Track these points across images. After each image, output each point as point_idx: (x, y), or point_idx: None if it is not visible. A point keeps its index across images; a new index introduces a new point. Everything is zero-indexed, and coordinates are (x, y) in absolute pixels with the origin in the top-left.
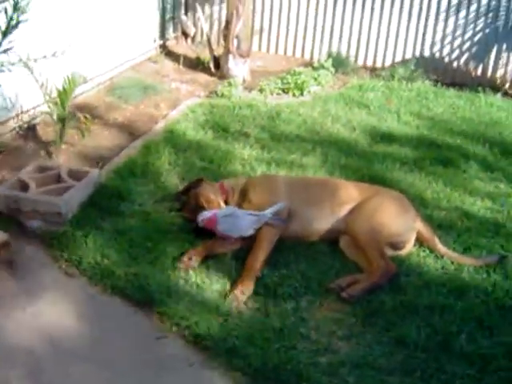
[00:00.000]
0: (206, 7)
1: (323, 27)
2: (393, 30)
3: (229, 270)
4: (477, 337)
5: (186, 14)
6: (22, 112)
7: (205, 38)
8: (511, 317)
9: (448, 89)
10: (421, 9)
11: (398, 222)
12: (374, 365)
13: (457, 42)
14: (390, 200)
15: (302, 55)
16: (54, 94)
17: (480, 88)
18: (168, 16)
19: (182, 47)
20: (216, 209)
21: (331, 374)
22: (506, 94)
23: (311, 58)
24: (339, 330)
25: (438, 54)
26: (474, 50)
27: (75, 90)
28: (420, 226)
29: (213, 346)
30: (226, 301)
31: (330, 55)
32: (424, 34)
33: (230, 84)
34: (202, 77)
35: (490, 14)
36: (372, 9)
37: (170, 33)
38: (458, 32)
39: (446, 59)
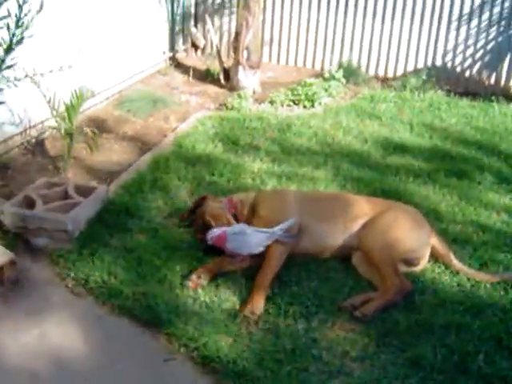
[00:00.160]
0: (216, 19)
1: (334, 37)
2: (404, 39)
3: (239, 289)
4: (495, 357)
5: (195, 25)
6: (30, 127)
7: (214, 49)
8: None
9: (461, 98)
10: (432, 18)
11: (412, 238)
12: None
13: (469, 51)
14: (404, 215)
15: (313, 66)
16: (62, 109)
17: (493, 97)
18: (177, 28)
19: (192, 59)
20: (225, 224)
21: None
22: None
23: (322, 68)
24: (352, 351)
25: (450, 64)
26: (486, 58)
27: (83, 104)
28: (435, 241)
29: (222, 369)
30: (236, 321)
31: (340, 65)
32: (436, 43)
33: (239, 96)
34: (212, 89)
35: (503, 22)
36: (383, 18)
37: (180, 45)
38: (471, 41)
39: (459, 68)
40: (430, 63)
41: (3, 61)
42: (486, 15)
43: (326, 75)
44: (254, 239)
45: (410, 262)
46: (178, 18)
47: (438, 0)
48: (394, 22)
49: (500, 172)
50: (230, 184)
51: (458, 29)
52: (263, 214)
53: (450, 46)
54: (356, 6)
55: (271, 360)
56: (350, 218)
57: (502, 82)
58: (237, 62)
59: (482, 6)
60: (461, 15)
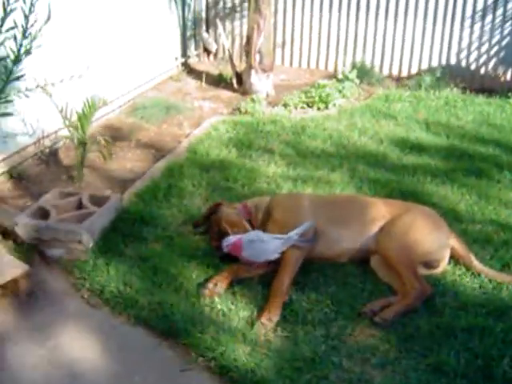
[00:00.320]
0: (227, 23)
1: (346, 38)
2: (418, 37)
3: (255, 296)
4: None
5: (207, 30)
6: (43, 137)
7: (226, 54)
8: None
9: (477, 95)
10: (445, 15)
11: (431, 240)
12: None
13: (484, 48)
14: (422, 217)
15: (326, 67)
16: (75, 118)
17: (510, 93)
18: (189, 33)
19: (204, 64)
20: (241, 230)
21: None
22: None
23: (335, 69)
24: (373, 358)
25: (464, 61)
26: (501, 54)
27: (95, 113)
28: (454, 242)
29: (240, 378)
30: (253, 329)
31: (354, 66)
32: (450, 41)
33: (253, 100)
34: (225, 93)
35: None
36: (395, 17)
37: (192, 50)
38: (485, 37)
39: (474, 65)
40: (444, 61)
41: (11, 72)
42: (500, 11)
43: (340, 76)
44: (270, 246)
45: (429, 265)
46: (189, 23)
47: None
48: (407, 21)
49: None
50: (245, 189)
51: (472, 26)
52: (278, 218)
53: (465, 43)
54: (368, 5)
55: (290, 368)
56: (367, 220)
57: None
58: (249, 66)
59: (495, 2)
60: (474, 12)
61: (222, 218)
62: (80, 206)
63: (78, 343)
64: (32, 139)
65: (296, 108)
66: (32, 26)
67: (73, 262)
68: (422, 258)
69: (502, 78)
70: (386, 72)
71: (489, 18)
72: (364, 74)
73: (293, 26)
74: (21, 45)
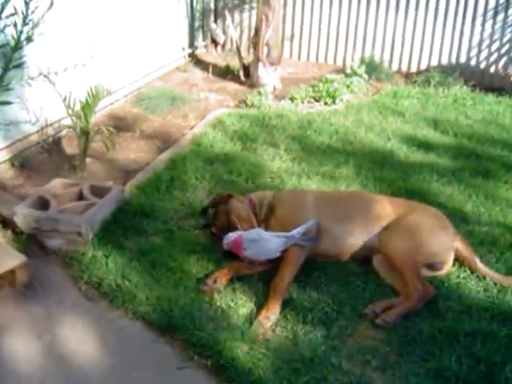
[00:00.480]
0: (236, 14)
1: (356, 32)
2: (428, 33)
3: (255, 293)
4: None
5: (215, 21)
6: (46, 125)
7: (234, 45)
8: None
9: (486, 94)
10: (456, 12)
11: (436, 241)
12: None
13: (494, 46)
14: (428, 217)
15: (334, 61)
16: (78, 107)
17: None
18: (197, 24)
19: (212, 56)
20: (249, 227)
21: None
22: None
23: (344, 64)
24: (373, 360)
25: (475, 59)
26: None
27: (99, 102)
28: (459, 244)
29: (237, 378)
30: (252, 327)
31: (362, 61)
32: (460, 38)
33: (259, 93)
34: (232, 86)
35: None
36: (406, 12)
37: (200, 41)
38: (496, 36)
39: (484, 64)
40: (454, 58)
41: (10, 59)
42: None
43: (348, 71)
44: (271, 244)
45: (433, 267)
46: (197, 13)
47: None
48: (418, 17)
49: None
50: (249, 183)
51: (483, 23)
52: (281, 215)
53: (475, 40)
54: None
55: (288, 369)
56: (372, 218)
57: None
58: (257, 59)
59: (508, 1)
60: (486, 10)
61: (232, 211)
62: (81, 196)
63: (75, 336)
64: (35, 127)
65: (303, 102)
66: (33, 12)
67: (72, 253)
68: (426, 260)
69: None
70: (395, 67)
71: (500, 16)
72: (373, 69)
73: (302, 18)
74: (21, 32)
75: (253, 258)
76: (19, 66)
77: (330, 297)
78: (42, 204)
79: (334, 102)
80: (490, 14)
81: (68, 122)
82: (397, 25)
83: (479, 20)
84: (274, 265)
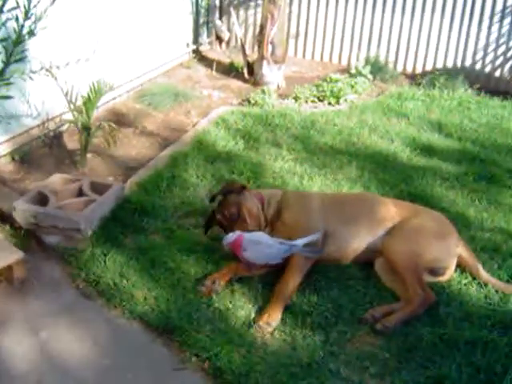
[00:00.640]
0: (241, 11)
1: (361, 32)
2: (434, 35)
3: (255, 296)
4: None
5: (220, 18)
6: (47, 120)
7: (239, 43)
8: None
9: (491, 98)
10: (463, 15)
11: (439, 247)
12: None
13: (500, 50)
14: (432, 222)
15: (339, 61)
16: (80, 102)
17: None
18: (202, 20)
19: (216, 52)
20: (256, 226)
21: None
22: None
23: (348, 63)
24: (372, 367)
25: (480, 62)
26: None
27: (101, 98)
28: (462, 250)
29: (234, 382)
30: (250, 330)
31: (367, 61)
32: (466, 41)
33: (263, 91)
34: (235, 83)
35: None
36: (412, 13)
37: (204, 38)
38: (502, 39)
39: (489, 67)
40: (459, 61)
41: (11, 53)
42: None
43: (353, 71)
44: (272, 250)
45: (435, 272)
46: (202, 10)
47: None
48: (424, 18)
49: None
50: (250, 183)
51: (489, 27)
52: (288, 220)
53: (481, 43)
54: (385, 0)
55: (286, 374)
56: (376, 220)
57: None
58: (261, 57)
59: None
60: (493, 13)
61: (245, 204)
62: (81, 192)
63: (71, 335)
64: (36, 121)
65: (306, 102)
66: (35, 6)
67: (70, 250)
68: (429, 265)
69: None
70: (400, 68)
71: (507, 20)
72: (378, 69)
73: (307, 16)
74: (22, 26)
75: (251, 260)
76: (20, 60)
77: (329, 301)
78: (41, 200)
79: (337, 103)
80: (496, 17)
81: (69, 116)
82: (403, 25)
83: (486, 23)
84: (274, 269)
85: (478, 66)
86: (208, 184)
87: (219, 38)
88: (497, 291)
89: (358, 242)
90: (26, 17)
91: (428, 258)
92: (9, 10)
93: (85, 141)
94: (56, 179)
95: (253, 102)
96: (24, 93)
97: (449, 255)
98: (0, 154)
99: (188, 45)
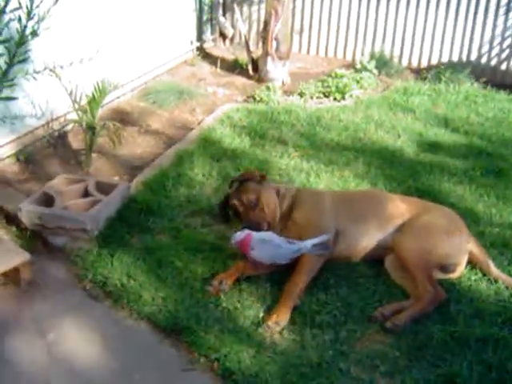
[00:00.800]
0: (245, 8)
1: (366, 27)
2: (439, 29)
3: (263, 295)
4: None
5: (224, 15)
6: (52, 119)
7: (243, 39)
8: None
9: (498, 91)
10: (468, 8)
11: (450, 243)
12: None
13: (507, 43)
14: (442, 218)
15: (344, 56)
16: (84, 102)
17: None
18: (205, 17)
19: (220, 49)
20: (271, 219)
21: None
22: None
23: (353, 58)
24: (382, 365)
25: (486, 55)
26: None
27: (105, 97)
28: (473, 246)
29: (243, 382)
30: (259, 330)
31: (372, 56)
32: (472, 34)
33: (268, 88)
34: (240, 80)
35: None
36: (417, 7)
37: (208, 35)
38: (508, 32)
39: (495, 60)
40: (465, 54)
41: (14, 54)
42: None
43: (358, 66)
44: (280, 250)
45: (446, 269)
46: (205, 6)
47: None
48: (429, 11)
49: None
50: None
51: (495, 20)
52: (298, 219)
53: (487, 37)
54: None
55: (295, 374)
56: (385, 217)
57: None
58: (265, 53)
59: None
60: (498, 6)
61: (264, 194)
62: (86, 193)
63: (78, 337)
64: (41, 122)
65: (312, 98)
66: (37, 7)
67: (76, 251)
68: (439, 262)
69: None
70: (405, 63)
71: None
72: (383, 64)
73: (311, 12)
74: (25, 26)
75: (258, 259)
76: (24, 60)
77: (338, 299)
78: (47, 200)
79: (343, 98)
80: (502, 10)
81: (74, 116)
82: (407, 19)
83: (491, 16)
84: (281, 268)
85: (483, 60)
86: (214, 182)
87: (223, 35)
88: (507, 287)
89: (368, 239)
90: (29, 17)
91: (439, 255)
92: (11, 11)
93: (90, 140)
94: (61, 180)
95: (258, 98)
96: (28, 93)
97: (460, 252)
98: (5, 154)
99: (192, 42)
